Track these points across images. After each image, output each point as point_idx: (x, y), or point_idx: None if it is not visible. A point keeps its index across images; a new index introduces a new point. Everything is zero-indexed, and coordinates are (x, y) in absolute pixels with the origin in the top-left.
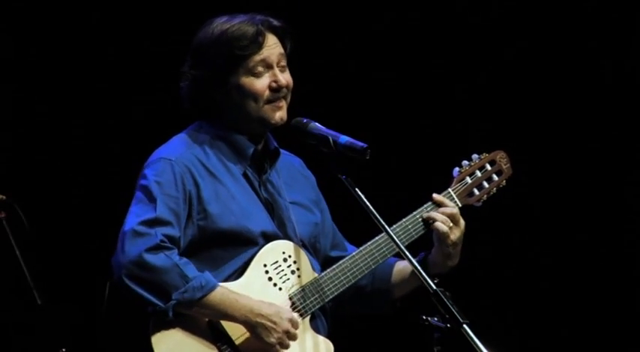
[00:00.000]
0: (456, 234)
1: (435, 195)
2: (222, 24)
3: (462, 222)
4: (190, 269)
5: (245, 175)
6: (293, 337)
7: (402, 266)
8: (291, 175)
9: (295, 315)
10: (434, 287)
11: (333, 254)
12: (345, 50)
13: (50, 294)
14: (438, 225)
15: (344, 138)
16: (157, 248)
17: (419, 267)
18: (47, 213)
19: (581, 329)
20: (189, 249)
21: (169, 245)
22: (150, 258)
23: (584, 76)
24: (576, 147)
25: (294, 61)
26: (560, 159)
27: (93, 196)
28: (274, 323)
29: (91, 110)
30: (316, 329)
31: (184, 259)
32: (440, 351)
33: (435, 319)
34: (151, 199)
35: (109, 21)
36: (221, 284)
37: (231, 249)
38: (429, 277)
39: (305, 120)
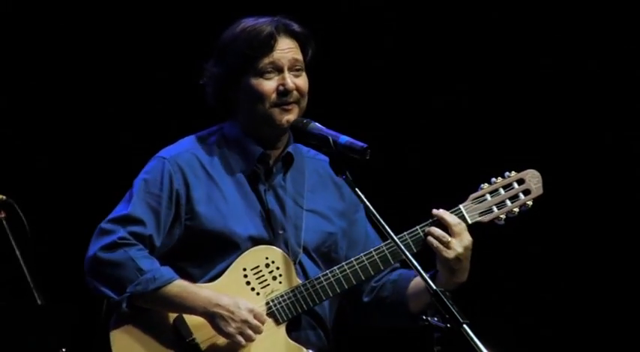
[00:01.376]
0: (455, 250)
1: (434, 210)
2: (245, 24)
3: (467, 239)
4: (147, 262)
5: (251, 178)
6: (254, 328)
7: (418, 280)
8: (321, 182)
9: (259, 310)
10: (434, 287)
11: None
12: (365, 52)
13: (50, 294)
14: (431, 240)
15: (344, 138)
16: (113, 245)
17: (418, 267)
18: (47, 213)
19: (582, 329)
20: (177, 249)
21: (132, 241)
22: (105, 254)
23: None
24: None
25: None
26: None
27: (93, 196)
28: (232, 312)
29: (91, 110)
30: (305, 340)
31: (144, 253)
32: (440, 351)
33: (435, 319)
34: (130, 196)
35: (110, 19)
36: (197, 284)
37: (218, 251)
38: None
39: (305, 120)
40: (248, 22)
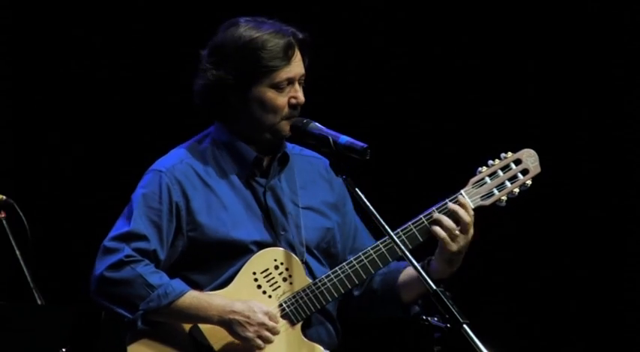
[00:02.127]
0: (460, 244)
1: (450, 205)
2: (250, 29)
3: (471, 232)
4: (155, 277)
5: (247, 182)
6: (272, 330)
7: (410, 270)
8: (311, 178)
9: (273, 311)
10: (434, 287)
11: (349, 258)
12: (362, 44)
13: (50, 294)
14: (438, 230)
15: (344, 138)
16: (120, 264)
17: (418, 267)
18: (47, 213)
19: (581, 329)
20: (183, 260)
21: (138, 258)
22: (112, 274)
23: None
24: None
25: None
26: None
27: (93, 196)
28: (247, 317)
29: (91, 109)
30: (317, 338)
31: (151, 269)
32: (440, 351)
33: (435, 319)
34: (131, 212)
35: (111, 19)
36: (208, 292)
37: (224, 258)
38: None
39: (305, 120)
40: (255, 29)
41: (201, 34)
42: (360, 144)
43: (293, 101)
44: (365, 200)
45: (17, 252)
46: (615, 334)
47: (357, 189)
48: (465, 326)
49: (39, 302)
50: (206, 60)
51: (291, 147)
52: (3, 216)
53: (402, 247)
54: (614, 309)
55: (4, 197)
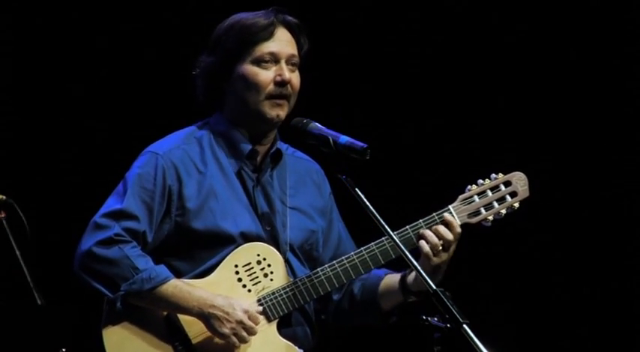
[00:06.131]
0: (441, 259)
1: (445, 215)
2: (240, 15)
3: (453, 248)
4: (142, 261)
5: (239, 174)
6: (249, 329)
7: (389, 280)
8: (301, 180)
9: (254, 309)
10: (434, 287)
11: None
12: (363, 52)
13: (50, 294)
14: (423, 244)
15: (344, 138)
16: (109, 241)
17: (418, 267)
18: (47, 213)
19: (581, 329)
20: (167, 244)
21: (127, 238)
22: (100, 250)
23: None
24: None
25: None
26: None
27: (93, 196)
28: (227, 313)
29: (92, 109)
30: (293, 338)
31: (139, 251)
32: (440, 351)
33: (435, 319)
34: (124, 191)
35: (112, 17)
36: (188, 280)
37: (209, 247)
38: (408, 296)
39: (305, 120)
40: (244, 14)
41: (200, 33)
42: (360, 144)
43: (278, 78)
44: (365, 200)
45: (17, 252)
46: (615, 334)
47: (356, 189)
48: (464, 326)
49: (39, 302)
50: (203, 53)
51: (285, 148)
52: (3, 216)
53: (402, 246)
54: (615, 310)
55: (4, 197)
